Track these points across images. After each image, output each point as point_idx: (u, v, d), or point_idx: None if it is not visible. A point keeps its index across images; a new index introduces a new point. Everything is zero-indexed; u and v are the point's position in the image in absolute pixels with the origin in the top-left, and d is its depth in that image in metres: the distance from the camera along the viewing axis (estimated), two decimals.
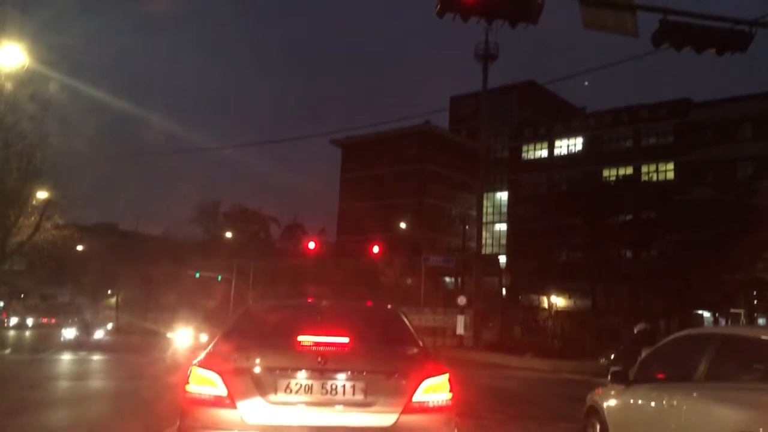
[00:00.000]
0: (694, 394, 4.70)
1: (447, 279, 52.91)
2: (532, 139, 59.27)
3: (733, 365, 4.76)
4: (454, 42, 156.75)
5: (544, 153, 58.02)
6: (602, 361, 22.48)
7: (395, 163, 62.81)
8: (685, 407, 4.76)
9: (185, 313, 40.53)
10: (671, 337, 6.14)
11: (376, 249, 39.13)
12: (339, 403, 4.27)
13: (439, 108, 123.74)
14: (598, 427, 6.46)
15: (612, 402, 6.30)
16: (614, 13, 9.12)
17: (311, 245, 37.89)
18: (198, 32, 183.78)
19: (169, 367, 18.35)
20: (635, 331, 15.92)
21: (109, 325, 43.51)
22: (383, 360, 4.56)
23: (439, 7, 8.52)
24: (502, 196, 65.52)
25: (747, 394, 4.22)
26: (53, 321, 52.45)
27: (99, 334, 36.42)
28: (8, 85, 25.06)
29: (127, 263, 56.29)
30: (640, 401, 5.69)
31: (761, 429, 3.82)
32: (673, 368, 5.57)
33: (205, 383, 4.31)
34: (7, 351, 26.04)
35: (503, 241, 63.62)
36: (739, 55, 9.48)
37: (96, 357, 24.67)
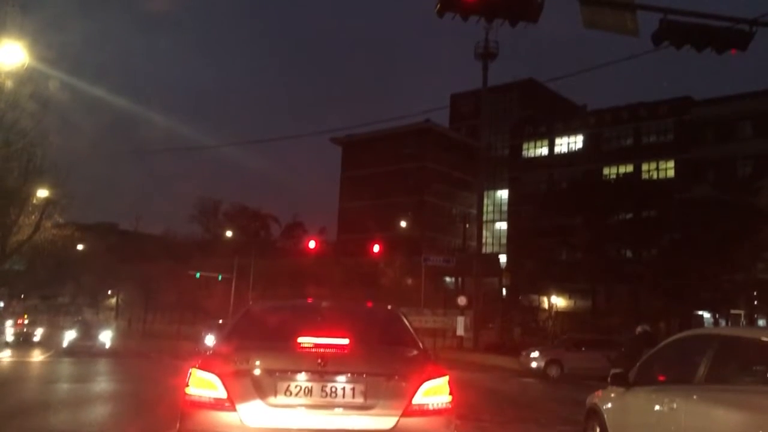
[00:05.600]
0: (694, 397, 4.68)
1: (447, 279, 52.92)
2: (533, 137, 59.27)
3: (732, 367, 4.74)
4: (455, 40, 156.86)
5: (545, 151, 58.02)
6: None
7: (395, 162, 62.86)
8: (684, 410, 4.73)
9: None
10: (671, 338, 6.12)
11: (376, 248, 39.14)
12: (339, 405, 4.26)
13: (440, 106, 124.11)
14: (597, 429, 6.44)
15: (612, 404, 6.28)
16: (614, 12, 9.10)
17: (311, 244, 37.92)
18: (198, 31, 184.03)
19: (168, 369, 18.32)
20: (636, 333, 15.91)
21: None
22: (383, 362, 4.55)
23: (439, 6, 8.50)
24: (503, 194, 65.57)
25: (747, 396, 4.20)
26: None
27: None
28: (8, 84, 25.04)
29: (127, 263, 56.37)
30: (639, 404, 5.66)
31: (761, 431, 3.80)
32: (673, 370, 5.56)
33: (204, 386, 4.30)
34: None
35: (503, 240, 63.65)
36: (740, 54, 9.46)
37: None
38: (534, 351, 25.41)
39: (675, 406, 4.87)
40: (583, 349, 24.45)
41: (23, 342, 29.92)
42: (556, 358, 23.87)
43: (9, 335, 30.30)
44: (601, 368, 23.23)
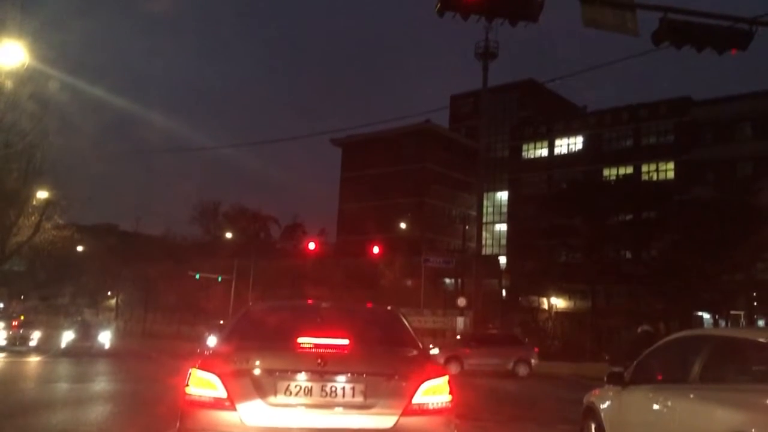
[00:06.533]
0: (690, 396, 4.74)
1: (447, 280, 52.88)
2: (533, 138, 59.29)
3: (727, 367, 4.80)
4: (455, 40, 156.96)
5: (545, 152, 58.03)
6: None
7: (395, 163, 62.87)
8: (679, 408, 4.79)
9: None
10: (666, 339, 6.18)
11: (376, 249, 39.16)
12: (339, 405, 4.26)
13: (440, 107, 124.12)
14: (593, 428, 6.49)
15: (608, 403, 6.33)
16: (614, 11, 9.10)
17: (311, 245, 37.90)
18: (197, 32, 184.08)
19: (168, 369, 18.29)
20: (638, 332, 15.92)
21: None
22: (383, 362, 4.56)
23: (439, 5, 8.51)
24: (503, 195, 65.54)
25: (740, 395, 4.25)
26: None
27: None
28: (8, 84, 25.08)
29: (127, 264, 56.38)
30: (635, 402, 5.71)
31: (754, 429, 3.84)
32: (669, 370, 5.61)
33: (204, 385, 4.30)
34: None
35: (503, 241, 63.63)
36: (740, 54, 9.46)
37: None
38: (434, 348, 25.61)
39: (670, 404, 4.93)
40: (485, 346, 25.13)
41: (19, 346, 27.01)
42: (455, 355, 24.32)
43: (2, 339, 27.22)
44: (499, 364, 23.95)
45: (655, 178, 48.96)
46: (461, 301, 36.51)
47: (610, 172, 50.46)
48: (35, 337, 28.09)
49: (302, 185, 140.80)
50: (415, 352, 4.93)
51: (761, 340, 4.60)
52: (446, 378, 4.49)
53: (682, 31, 9.21)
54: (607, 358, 22.46)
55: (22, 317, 32.01)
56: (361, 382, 4.29)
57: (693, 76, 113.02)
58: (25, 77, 24.68)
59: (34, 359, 23.45)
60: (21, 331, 28.19)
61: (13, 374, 18.56)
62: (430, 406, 4.34)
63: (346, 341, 4.45)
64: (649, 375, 5.79)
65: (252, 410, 4.20)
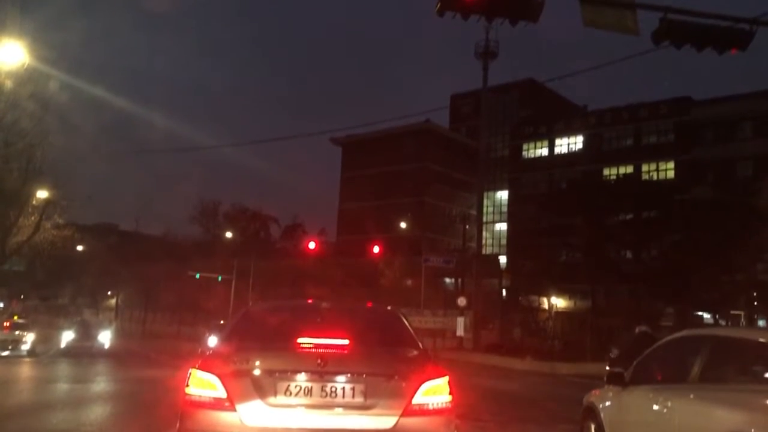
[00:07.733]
0: (690, 396, 4.74)
1: (447, 280, 52.89)
2: (533, 137, 59.26)
3: (726, 367, 4.79)
4: (455, 40, 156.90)
5: (545, 152, 58.02)
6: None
7: (395, 162, 62.90)
8: (679, 409, 4.79)
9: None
10: (666, 339, 6.17)
11: (376, 249, 39.19)
12: (339, 405, 4.25)
13: (440, 106, 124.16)
14: (593, 428, 6.49)
15: (608, 403, 6.33)
16: (615, 11, 9.12)
17: (311, 245, 37.87)
18: (197, 30, 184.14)
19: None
20: (635, 333, 15.88)
21: None
22: (383, 362, 4.54)
23: (439, 5, 8.52)
24: (503, 195, 65.58)
25: (740, 395, 4.25)
26: None
27: None
28: (8, 84, 25.07)
29: (127, 263, 56.33)
30: (635, 403, 5.71)
31: (753, 430, 3.85)
32: (668, 370, 5.61)
33: (204, 386, 4.29)
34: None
35: (503, 240, 63.66)
36: (740, 54, 9.46)
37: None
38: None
39: (669, 404, 4.93)
40: None
41: (11, 350, 24.52)
42: None
43: None
44: None
45: (655, 177, 48.93)
46: (461, 301, 36.50)
47: (611, 172, 50.43)
48: (29, 339, 25.71)
49: (302, 185, 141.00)
50: (415, 352, 4.91)
51: (761, 340, 4.60)
52: (446, 378, 4.48)
53: (682, 31, 9.21)
54: (611, 355, 22.44)
55: (15, 317, 29.94)
56: (361, 382, 4.28)
57: (693, 76, 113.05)
58: (25, 77, 24.68)
59: (31, 360, 23.32)
60: (16, 333, 26.00)
61: (13, 374, 18.50)
62: (431, 407, 4.33)
63: (346, 341, 4.45)
64: (649, 375, 5.78)
65: (252, 411, 4.19)
